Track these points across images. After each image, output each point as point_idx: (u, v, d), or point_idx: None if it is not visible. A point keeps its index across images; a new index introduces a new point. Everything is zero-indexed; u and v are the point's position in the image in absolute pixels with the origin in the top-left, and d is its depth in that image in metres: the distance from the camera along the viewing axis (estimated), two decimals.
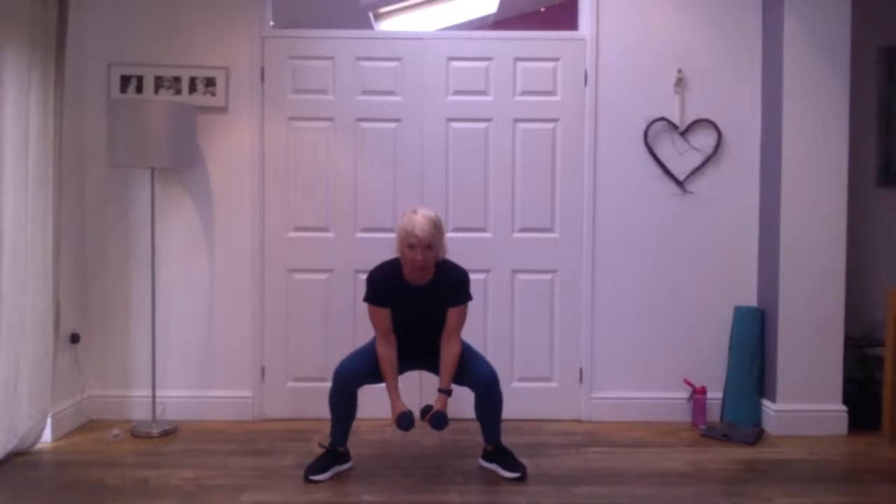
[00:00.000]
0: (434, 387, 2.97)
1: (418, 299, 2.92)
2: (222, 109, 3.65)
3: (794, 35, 3.45)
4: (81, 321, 3.62)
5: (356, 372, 2.91)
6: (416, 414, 2.92)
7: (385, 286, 2.92)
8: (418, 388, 3.63)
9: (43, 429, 3.24)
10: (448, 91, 3.69)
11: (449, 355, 2.93)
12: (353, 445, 3.07)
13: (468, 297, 2.97)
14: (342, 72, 3.68)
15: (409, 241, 2.80)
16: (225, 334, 3.70)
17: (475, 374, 2.93)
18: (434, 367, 3.01)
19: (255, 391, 3.71)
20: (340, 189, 3.70)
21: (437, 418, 2.87)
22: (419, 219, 2.81)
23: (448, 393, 2.92)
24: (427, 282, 2.92)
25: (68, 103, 3.39)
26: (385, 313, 2.93)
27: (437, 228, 2.84)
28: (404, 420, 2.85)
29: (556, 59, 3.69)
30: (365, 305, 2.97)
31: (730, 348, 3.68)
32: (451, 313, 2.94)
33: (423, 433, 3.39)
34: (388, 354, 2.92)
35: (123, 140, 3.30)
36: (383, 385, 2.94)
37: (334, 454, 2.97)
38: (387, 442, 3.36)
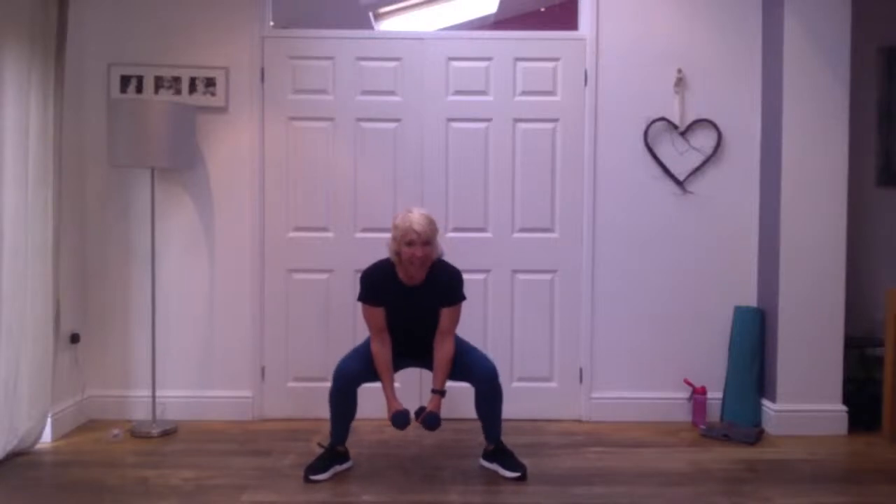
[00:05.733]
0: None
1: (412, 299, 2.92)
2: (222, 109, 3.65)
3: (794, 35, 3.45)
4: (81, 321, 3.62)
5: (356, 371, 2.91)
6: (411, 414, 2.93)
7: (379, 285, 2.92)
8: (418, 387, 3.64)
9: (43, 429, 3.24)
10: (448, 91, 3.69)
11: (442, 356, 2.93)
12: (352, 445, 3.07)
13: (461, 297, 2.97)
14: (342, 72, 3.68)
15: (408, 238, 2.81)
16: (225, 334, 3.70)
17: (474, 369, 2.93)
18: (431, 366, 3.01)
19: (255, 391, 3.71)
20: (340, 189, 3.70)
21: (429, 419, 2.87)
22: (416, 216, 2.86)
23: (441, 394, 2.92)
24: (421, 282, 2.92)
25: (68, 103, 3.39)
26: (379, 312, 2.93)
27: (433, 225, 2.88)
28: (400, 418, 2.85)
29: (556, 59, 3.69)
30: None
31: (730, 348, 3.68)
32: (444, 313, 2.94)
33: (422, 433, 3.39)
34: (382, 353, 2.92)
35: (123, 140, 3.30)
36: (380, 384, 2.94)
37: (334, 454, 2.97)
38: (387, 442, 3.36)
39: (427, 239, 2.83)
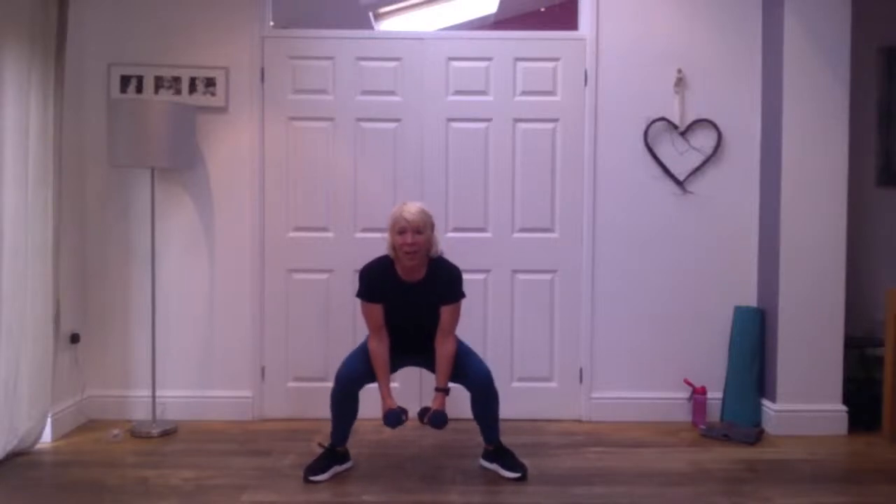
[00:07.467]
0: (433, 386, 2.96)
1: (411, 296, 2.91)
2: (222, 109, 3.65)
3: (794, 35, 3.46)
4: (81, 321, 3.62)
5: (359, 372, 2.91)
6: (415, 415, 2.92)
7: (377, 282, 2.92)
8: (418, 387, 3.64)
9: (43, 429, 3.24)
10: (448, 91, 3.69)
11: (444, 354, 2.92)
12: (353, 445, 3.07)
13: (461, 295, 2.96)
14: (342, 72, 3.69)
15: (399, 226, 2.82)
16: (225, 334, 3.71)
17: (469, 373, 2.93)
18: (430, 364, 3.01)
19: (255, 391, 3.71)
20: (340, 189, 3.70)
21: (435, 417, 2.86)
22: (409, 206, 2.88)
23: (445, 392, 2.91)
24: (420, 279, 2.92)
25: (68, 103, 3.39)
26: (377, 309, 2.93)
27: (426, 215, 2.87)
28: (392, 417, 2.85)
29: (556, 59, 3.69)
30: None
31: (730, 348, 3.68)
32: (444, 311, 2.93)
33: (422, 433, 3.39)
34: (379, 351, 2.92)
35: (123, 140, 3.30)
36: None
37: (334, 454, 2.97)
38: (387, 442, 3.36)
39: (418, 227, 2.82)
